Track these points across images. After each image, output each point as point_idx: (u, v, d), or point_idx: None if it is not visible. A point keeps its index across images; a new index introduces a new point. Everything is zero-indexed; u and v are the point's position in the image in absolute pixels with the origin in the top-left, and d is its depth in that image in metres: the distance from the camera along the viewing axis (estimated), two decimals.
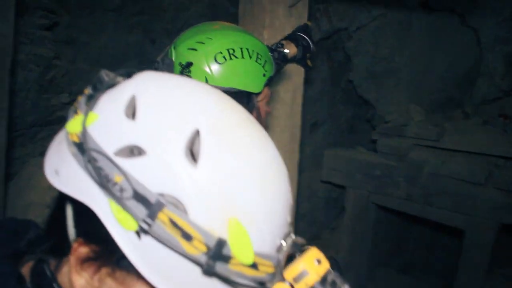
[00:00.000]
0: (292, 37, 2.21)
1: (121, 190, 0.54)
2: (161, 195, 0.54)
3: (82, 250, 0.59)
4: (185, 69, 1.47)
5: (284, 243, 0.62)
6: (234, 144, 0.59)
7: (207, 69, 1.43)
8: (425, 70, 4.38)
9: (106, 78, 0.62)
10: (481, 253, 3.81)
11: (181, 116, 0.58)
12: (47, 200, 2.47)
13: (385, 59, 4.32)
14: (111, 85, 0.63)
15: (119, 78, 0.64)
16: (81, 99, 0.61)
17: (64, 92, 2.82)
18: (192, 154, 0.56)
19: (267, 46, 1.60)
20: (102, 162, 0.55)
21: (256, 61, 1.44)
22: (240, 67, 1.43)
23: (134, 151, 0.55)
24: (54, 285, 0.63)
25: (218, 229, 0.55)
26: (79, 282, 0.59)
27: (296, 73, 2.44)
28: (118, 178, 0.54)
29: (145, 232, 0.54)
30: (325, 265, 0.62)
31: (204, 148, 0.56)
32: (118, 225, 0.55)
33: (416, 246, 5.73)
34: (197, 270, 0.56)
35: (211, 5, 3.29)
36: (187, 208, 0.54)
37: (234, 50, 1.43)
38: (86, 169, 0.56)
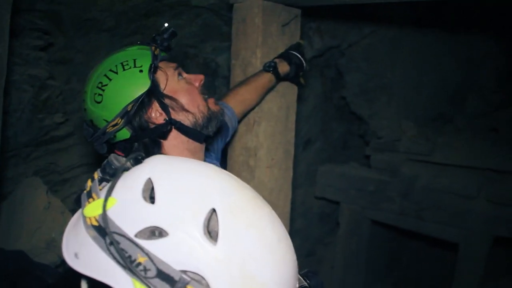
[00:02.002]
0: (285, 56, 2.24)
1: (145, 269, 0.57)
2: (184, 272, 0.57)
3: None
4: (92, 127, 1.43)
5: None
6: (248, 222, 0.63)
7: (100, 112, 1.39)
8: (416, 86, 4.43)
9: (116, 163, 0.67)
10: (475, 265, 3.82)
11: (197, 197, 0.62)
12: (41, 220, 2.46)
13: (377, 75, 4.36)
14: (122, 169, 0.66)
15: (128, 163, 0.68)
16: (93, 184, 0.65)
17: (58, 112, 2.82)
18: (210, 233, 0.60)
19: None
20: (124, 244, 0.58)
21: (124, 69, 1.37)
22: (117, 86, 1.37)
23: (155, 232, 0.59)
24: None
25: None
26: None
27: (289, 91, 2.47)
28: (141, 258, 0.57)
29: None
30: None
31: (222, 227, 0.60)
32: None
33: (410, 260, 5.72)
34: None
35: (205, 25, 3.32)
36: (210, 283, 0.57)
37: (101, 83, 1.38)
38: (108, 251, 0.59)
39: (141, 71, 1.38)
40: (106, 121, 1.37)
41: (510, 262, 4.72)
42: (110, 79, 1.36)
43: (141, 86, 1.37)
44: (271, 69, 2.13)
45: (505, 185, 3.73)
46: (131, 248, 0.58)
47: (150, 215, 0.60)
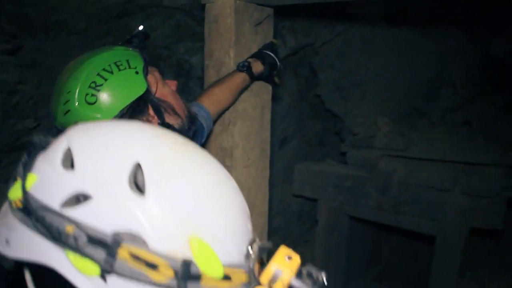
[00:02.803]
0: (258, 55, 2.24)
1: (75, 239, 0.54)
2: (117, 233, 0.55)
3: None
4: None
5: (250, 250, 0.63)
6: (177, 169, 0.61)
7: (92, 114, 1.33)
8: (390, 82, 4.48)
9: (38, 141, 0.64)
10: (452, 257, 3.88)
11: (119, 155, 0.60)
12: None
13: (351, 72, 4.39)
14: (45, 146, 0.64)
15: (51, 139, 0.65)
16: (18, 166, 0.62)
17: (29, 117, 2.77)
18: (138, 187, 0.57)
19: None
20: (50, 218, 0.55)
21: (119, 70, 1.33)
22: (114, 87, 1.33)
23: (80, 198, 0.56)
24: None
25: (181, 251, 0.56)
26: None
27: (263, 90, 2.47)
28: (69, 228, 0.54)
29: (109, 272, 0.55)
30: (297, 260, 0.64)
31: (148, 179, 0.58)
32: (80, 274, 0.55)
33: (390, 255, 5.79)
34: None
35: (177, 25, 3.30)
36: (145, 239, 0.55)
37: (95, 82, 1.32)
38: (36, 229, 0.56)
39: (137, 72, 1.34)
40: None
41: (486, 252, 4.81)
42: (105, 79, 1.31)
43: (138, 88, 1.34)
44: (245, 69, 2.12)
45: (479, 177, 3.79)
46: (57, 220, 0.55)
47: (71, 182, 0.58)
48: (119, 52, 1.38)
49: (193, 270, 0.56)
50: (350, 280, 4.91)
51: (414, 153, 4.10)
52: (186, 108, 1.49)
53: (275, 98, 2.68)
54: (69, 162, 0.60)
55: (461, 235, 3.84)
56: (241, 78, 2.15)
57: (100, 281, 0.55)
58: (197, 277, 0.56)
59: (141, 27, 1.50)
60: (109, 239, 0.54)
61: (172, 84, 1.49)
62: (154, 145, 0.62)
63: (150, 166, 0.59)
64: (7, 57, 2.62)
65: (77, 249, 0.54)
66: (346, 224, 4.54)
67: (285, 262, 0.63)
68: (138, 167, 0.59)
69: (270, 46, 2.30)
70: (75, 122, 1.27)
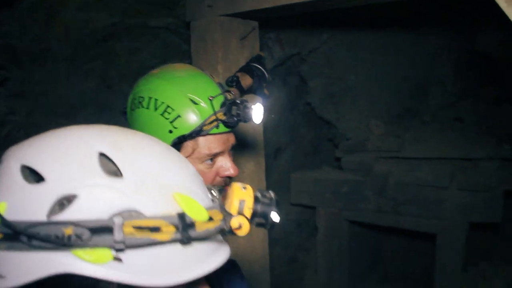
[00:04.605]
0: (246, 69, 2.24)
1: (78, 236, 0.57)
2: (114, 214, 0.59)
3: None
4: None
5: (213, 193, 0.75)
6: (135, 147, 0.68)
7: (128, 114, 1.39)
8: (379, 85, 4.50)
9: None
10: (453, 253, 3.89)
11: (80, 151, 0.64)
12: None
13: (340, 78, 4.42)
14: None
15: None
16: None
17: None
18: (110, 173, 0.63)
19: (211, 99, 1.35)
20: (44, 230, 0.57)
21: (162, 114, 1.30)
22: (144, 117, 1.33)
23: (63, 202, 0.59)
24: None
25: (171, 209, 0.64)
26: None
27: (253, 103, 2.47)
28: (68, 230, 0.57)
29: (123, 250, 0.59)
30: (250, 188, 0.80)
31: (117, 161, 0.64)
32: (95, 265, 0.58)
33: (392, 256, 5.78)
34: (178, 247, 0.64)
35: (164, 44, 3.31)
36: (140, 210, 0.61)
37: (143, 99, 1.33)
38: (32, 247, 0.57)
39: (170, 131, 1.31)
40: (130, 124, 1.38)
41: (487, 246, 4.81)
42: (147, 108, 1.31)
43: (161, 135, 1.30)
44: (234, 83, 2.12)
45: (475, 172, 3.81)
46: (52, 229, 0.57)
47: (47, 192, 0.60)
48: (188, 103, 1.31)
49: (187, 220, 0.64)
50: (354, 284, 4.90)
51: (409, 153, 4.12)
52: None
53: (266, 109, 2.69)
54: (32, 177, 0.62)
55: (461, 231, 3.85)
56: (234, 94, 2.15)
57: (115, 263, 0.59)
58: (192, 225, 0.64)
59: (254, 107, 1.39)
60: (110, 223, 0.58)
61: (226, 171, 1.40)
62: (105, 135, 0.68)
63: (112, 152, 0.65)
64: None
65: (83, 245, 0.57)
66: (346, 229, 4.54)
67: (243, 192, 0.78)
68: (103, 156, 0.64)
69: (258, 59, 2.31)
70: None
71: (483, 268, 4.22)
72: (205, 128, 1.32)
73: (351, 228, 4.60)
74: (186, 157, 1.33)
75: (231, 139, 1.45)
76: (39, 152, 0.65)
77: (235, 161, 1.48)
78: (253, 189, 0.80)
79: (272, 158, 4.46)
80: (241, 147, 2.47)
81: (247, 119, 1.38)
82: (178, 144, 1.33)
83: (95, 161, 0.63)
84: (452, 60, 4.66)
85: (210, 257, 0.70)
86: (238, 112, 1.36)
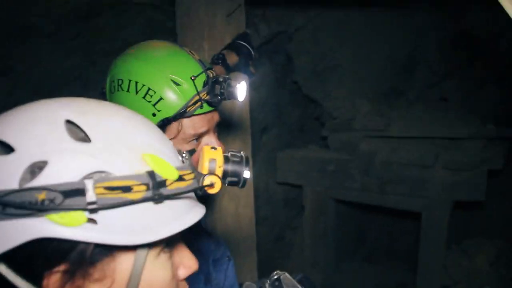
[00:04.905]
0: (232, 46, 2.22)
1: (51, 200, 0.58)
2: (85, 177, 0.61)
3: (53, 278, 0.63)
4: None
5: (184, 156, 0.76)
6: (99, 113, 0.69)
7: (107, 95, 1.35)
8: (366, 64, 4.50)
9: None
10: (438, 231, 3.94)
11: (47, 120, 0.65)
12: None
13: (326, 57, 4.40)
14: None
15: None
16: None
17: None
18: (79, 138, 0.64)
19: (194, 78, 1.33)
20: (18, 197, 0.58)
21: (144, 97, 1.27)
22: (124, 101, 1.29)
23: (34, 170, 0.60)
24: None
25: (142, 168, 0.65)
26: None
27: (239, 81, 2.46)
28: (41, 196, 0.58)
29: (96, 211, 0.60)
30: (219, 148, 0.85)
31: (85, 127, 0.65)
32: (70, 228, 0.59)
33: (377, 234, 5.86)
34: (150, 205, 0.65)
35: (149, 21, 3.26)
36: (109, 170, 0.62)
37: (122, 81, 1.29)
38: (6, 215, 0.58)
39: (154, 114, 1.28)
40: None
41: (471, 224, 4.89)
42: (128, 91, 1.28)
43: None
44: (219, 61, 2.10)
45: (460, 151, 3.85)
46: (25, 195, 0.58)
47: (17, 161, 0.61)
48: (170, 85, 1.28)
49: (157, 178, 0.65)
50: (340, 262, 4.97)
51: (394, 132, 4.14)
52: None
53: (252, 87, 2.67)
54: (3, 149, 0.62)
55: (446, 209, 3.90)
56: (217, 71, 2.13)
57: (90, 225, 0.60)
58: (163, 183, 0.65)
59: (238, 85, 1.37)
60: (81, 185, 0.59)
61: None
62: (71, 104, 0.69)
63: (79, 118, 0.66)
64: None
65: (57, 209, 0.58)
66: (333, 207, 4.57)
67: (213, 152, 0.83)
68: (70, 123, 0.65)
69: (244, 36, 2.29)
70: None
71: (466, 246, 4.29)
72: (189, 109, 1.30)
73: (337, 207, 4.63)
74: (171, 138, 1.32)
75: (215, 117, 1.43)
76: (7, 125, 0.65)
77: (222, 140, 1.47)
78: (222, 148, 0.82)
79: (258, 137, 4.45)
80: (227, 126, 2.46)
81: (231, 97, 1.37)
82: (162, 126, 1.30)
83: (62, 128, 0.64)
84: (438, 40, 4.66)
85: (185, 215, 0.70)
86: (222, 90, 1.34)
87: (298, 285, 0.89)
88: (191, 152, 1.33)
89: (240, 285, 1.91)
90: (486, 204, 4.17)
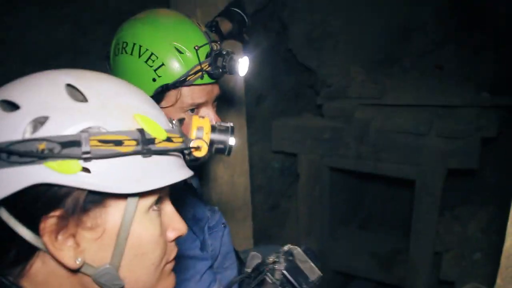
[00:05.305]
0: (226, 13, 2.19)
1: (50, 150, 0.65)
2: (81, 131, 0.68)
3: (49, 222, 0.70)
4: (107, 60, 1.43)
5: (174, 123, 0.83)
6: (95, 78, 0.78)
7: (111, 58, 1.37)
8: (361, 31, 4.45)
9: None
10: (431, 198, 3.98)
11: (49, 82, 0.73)
12: None
13: (321, 24, 4.35)
14: None
15: None
16: None
17: None
18: (78, 99, 0.72)
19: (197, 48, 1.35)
20: (21, 147, 0.65)
21: (146, 62, 1.30)
22: (126, 64, 1.32)
23: (37, 125, 0.68)
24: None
25: (133, 126, 0.73)
26: (67, 255, 0.72)
27: (234, 49, 2.43)
28: (41, 146, 0.65)
29: (90, 160, 0.68)
30: (207, 118, 0.93)
31: (83, 90, 0.73)
32: (66, 175, 0.67)
33: (372, 202, 5.92)
34: (139, 158, 0.73)
35: None
36: (103, 126, 0.70)
37: (126, 44, 1.31)
38: (9, 163, 0.65)
39: (154, 79, 1.31)
40: (111, 66, 1.38)
41: (464, 191, 4.94)
42: (131, 54, 1.31)
43: (143, 89, 1.35)
44: (213, 28, 2.08)
45: (454, 119, 3.85)
46: (28, 145, 0.65)
47: (21, 116, 0.68)
48: (173, 51, 1.31)
49: (147, 136, 0.73)
50: (335, 229, 5.03)
51: (389, 100, 4.13)
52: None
53: (246, 55, 2.65)
54: (9, 107, 0.70)
55: (439, 177, 3.93)
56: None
57: (84, 174, 0.68)
58: (152, 140, 0.73)
59: (240, 61, 1.41)
60: (78, 137, 0.67)
61: (210, 118, 1.40)
62: (69, 71, 0.77)
63: (77, 82, 0.74)
64: None
65: (55, 156, 0.65)
66: (327, 175, 4.60)
67: (201, 121, 0.92)
68: (69, 86, 0.73)
69: (237, 3, 2.26)
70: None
71: (459, 212, 4.35)
72: (189, 78, 1.32)
73: (332, 175, 4.66)
74: (169, 106, 1.35)
75: (215, 90, 1.45)
76: (13, 88, 0.73)
77: (217, 108, 1.50)
78: (209, 118, 0.94)
79: (253, 105, 4.44)
80: (222, 94, 2.45)
81: (232, 71, 1.39)
82: (161, 93, 1.32)
83: (63, 90, 0.72)
84: (435, 6, 4.61)
85: (171, 173, 0.78)
86: (224, 64, 1.36)
87: (310, 261, 0.94)
88: (181, 120, 1.34)
89: (236, 252, 1.94)
90: (479, 171, 4.20)
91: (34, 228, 0.70)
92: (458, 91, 4.09)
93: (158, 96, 1.33)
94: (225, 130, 0.95)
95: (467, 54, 4.77)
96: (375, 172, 4.26)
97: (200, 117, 0.93)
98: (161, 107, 1.31)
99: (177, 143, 0.79)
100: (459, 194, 4.89)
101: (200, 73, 1.33)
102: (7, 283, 0.74)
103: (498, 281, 1.22)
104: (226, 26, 2.14)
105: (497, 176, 4.81)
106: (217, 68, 1.36)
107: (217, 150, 0.95)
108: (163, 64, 1.29)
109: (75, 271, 0.75)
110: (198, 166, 0.90)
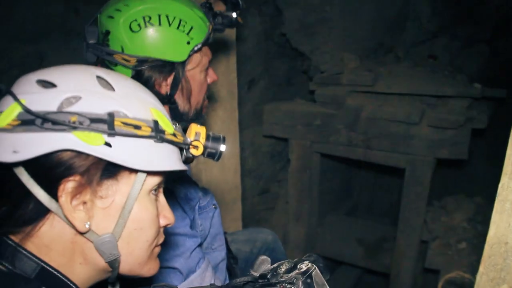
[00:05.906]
0: None
1: (80, 123, 0.77)
2: (107, 113, 0.81)
3: (70, 184, 0.80)
4: (104, 38, 1.42)
5: (176, 125, 0.96)
6: (121, 76, 0.94)
7: (124, 38, 1.40)
8: (355, 18, 4.44)
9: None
10: (420, 187, 4.01)
11: (83, 72, 0.87)
12: None
13: (316, 9, 4.33)
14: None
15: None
16: None
17: None
18: (106, 88, 0.85)
19: (205, 11, 1.55)
20: (56, 116, 0.76)
21: (178, 28, 1.41)
22: (157, 35, 1.40)
23: (72, 101, 0.80)
24: (20, 249, 0.82)
25: (149, 116, 0.87)
26: (79, 217, 0.82)
27: (227, 31, 2.42)
28: (73, 118, 0.77)
29: (113, 135, 0.80)
30: (204, 127, 1.06)
31: (111, 81, 0.87)
32: (91, 145, 0.78)
33: (361, 189, 5.95)
34: (152, 142, 0.86)
35: None
36: (125, 112, 0.83)
37: (150, 18, 1.38)
38: (45, 129, 0.75)
39: (188, 42, 1.43)
40: (122, 49, 1.40)
41: (453, 181, 4.99)
42: (160, 24, 1.39)
43: (177, 55, 1.43)
44: (205, 10, 2.06)
45: (445, 109, 3.87)
46: (61, 116, 0.77)
47: (58, 93, 0.80)
48: (191, 15, 1.45)
49: (159, 127, 0.87)
50: (324, 215, 5.06)
51: (381, 88, 4.13)
52: (201, 105, 1.60)
53: (239, 38, 2.63)
54: (45, 84, 0.82)
55: (429, 166, 3.95)
56: None
57: (106, 147, 0.80)
58: (163, 131, 0.88)
59: (234, 15, 1.66)
60: (104, 117, 0.80)
61: (212, 78, 1.62)
62: (97, 68, 0.91)
63: (106, 75, 0.88)
64: None
65: (83, 129, 0.77)
66: (318, 161, 4.61)
67: (199, 127, 1.05)
68: (99, 77, 0.87)
69: None
70: (106, 31, 1.41)
71: (446, 202, 4.39)
72: (210, 36, 1.51)
73: (322, 161, 4.67)
74: (195, 67, 1.52)
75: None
76: (50, 71, 0.85)
77: (210, 90, 1.67)
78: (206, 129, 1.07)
79: (245, 88, 4.43)
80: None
81: (232, 24, 1.67)
82: (191, 56, 1.47)
83: (94, 78, 0.86)
84: None
85: (175, 162, 0.92)
86: (223, 21, 1.63)
87: (327, 285, 0.96)
88: (184, 115, 1.56)
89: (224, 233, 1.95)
90: (468, 162, 4.24)
91: (50, 191, 0.80)
92: (450, 81, 4.10)
93: (187, 59, 1.47)
94: (218, 138, 1.08)
95: (460, 45, 4.78)
96: (365, 159, 4.27)
97: (198, 125, 1.07)
98: (187, 71, 1.50)
99: (180, 139, 0.94)
100: (447, 184, 4.93)
101: (212, 33, 1.53)
102: (12, 244, 0.83)
103: (481, 269, 1.24)
104: (219, 7, 2.12)
105: (484, 168, 4.85)
106: (221, 24, 1.62)
107: (209, 154, 1.08)
108: (192, 27, 1.43)
109: (79, 236, 0.85)
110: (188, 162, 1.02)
